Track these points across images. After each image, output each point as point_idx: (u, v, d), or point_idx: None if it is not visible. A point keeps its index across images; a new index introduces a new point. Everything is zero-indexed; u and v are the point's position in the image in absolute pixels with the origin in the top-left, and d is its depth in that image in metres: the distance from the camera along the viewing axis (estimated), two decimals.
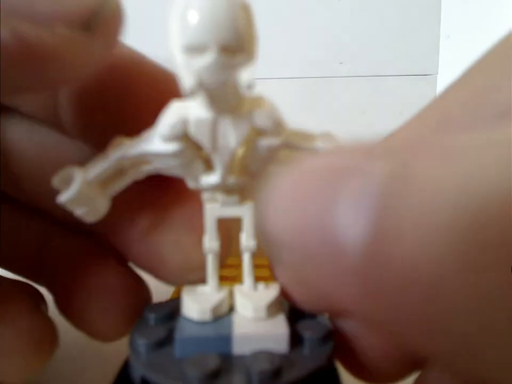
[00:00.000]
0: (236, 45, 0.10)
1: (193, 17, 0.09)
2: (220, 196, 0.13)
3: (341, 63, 0.33)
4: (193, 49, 0.10)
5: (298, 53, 0.33)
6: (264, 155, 0.12)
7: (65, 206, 0.12)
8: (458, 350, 0.08)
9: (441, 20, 0.33)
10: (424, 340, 0.08)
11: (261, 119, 0.11)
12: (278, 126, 0.12)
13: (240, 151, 0.12)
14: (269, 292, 0.13)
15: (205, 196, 0.13)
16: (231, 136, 0.11)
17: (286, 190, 0.09)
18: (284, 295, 0.14)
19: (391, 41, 0.33)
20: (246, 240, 0.14)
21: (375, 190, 0.08)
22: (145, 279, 0.16)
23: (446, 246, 0.07)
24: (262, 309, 0.13)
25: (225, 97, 0.11)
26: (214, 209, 0.13)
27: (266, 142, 0.12)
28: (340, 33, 0.33)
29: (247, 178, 0.13)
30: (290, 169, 0.09)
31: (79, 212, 0.12)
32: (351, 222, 0.08)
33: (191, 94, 0.10)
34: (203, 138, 0.11)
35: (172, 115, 0.11)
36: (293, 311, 0.14)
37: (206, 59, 0.10)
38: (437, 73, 0.33)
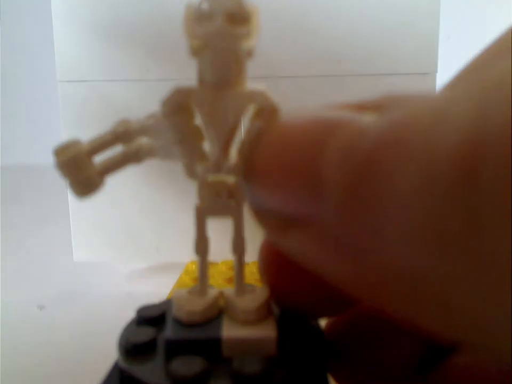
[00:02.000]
0: (240, 15, 0.11)
1: None
2: (209, 196, 0.13)
3: (339, 61, 0.33)
4: (202, 16, 0.11)
5: (295, 51, 0.33)
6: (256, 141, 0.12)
7: (58, 170, 0.12)
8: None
9: (440, 19, 0.33)
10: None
11: (260, 98, 0.12)
12: (276, 109, 0.12)
13: (237, 131, 0.12)
14: (259, 295, 0.13)
15: (197, 192, 0.13)
16: (230, 111, 0.12)
17: (277, 136, 0.10)
18: (274, 298, 0.14)
19: (389, 40, 0.33)
20: (236, 242, 0.13)
21: (357, 148, 0.08)
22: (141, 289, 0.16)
23: (435, 185, 0.07)
24: (251, 312, 0.13)
25: (228, 65, 0.11)
26: (203, 210, 0.13)
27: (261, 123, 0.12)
28: (338, 31, 0.33)
29: (240, 165, 0.13)
30: (282, 120, 0.10)
31: (70, 179, 0.12)
32: (331, 184, 0.08)
33: (196, 53, 0.11)
34: (203, 109, 0.12)
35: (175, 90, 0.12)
36: (283, 315, 0.14)
37: (213, 25, 0.11)
38: (436, 72, 0.33)
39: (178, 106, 0.12)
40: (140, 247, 0.36)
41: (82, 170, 0.12)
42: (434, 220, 0.07)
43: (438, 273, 0.07)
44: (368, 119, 0.08)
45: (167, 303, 0.15)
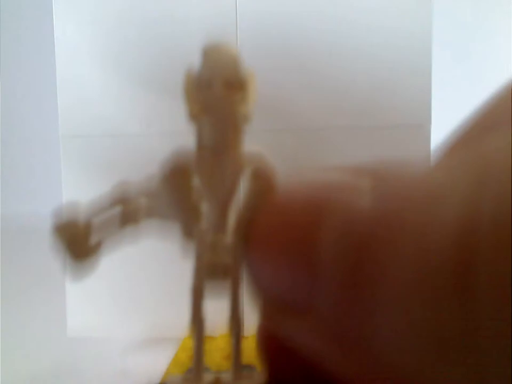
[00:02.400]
0: (237, 82, 0.12)
1: (203, 58, 0.12)
2: (205, 276, 0.13)
3: (333, 114, 0.33)
4: (201, 84, 0.12)
5: (291, 105, 0.34)
6: (254, 205, 0.12)
7: (53, 235, 0.12)
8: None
9: (432, 69, 0.34)
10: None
11: (256, 161, 0.12)
12: (272, 172, 0.12)
13: (235, 194, 0.12)
14: (255, 379, 0.13)
15: (193, 272, 0.13)
16: (227, 174, 0.12)
17: (272, 213, 0.10)
18: (272, 381, 0.13)
19: (382, 91, 0.34)
20: (232, 323, 0.13)
21: (355, 222, 0.08)
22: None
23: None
24: None
25: (225, 130, 0.12)
26: (198, 290, 0.13)
27: (259, 186, 0.12)
28: (331, 85, 0.34)
29: (237, 243, 0.12)
30: (277, 195, 0.10)
31: (64, 245, 0.12)
32: (331, 259, 0.08)
33: (194, 119, 0.12)
34: (201, 173, 0.12)
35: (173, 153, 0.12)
36: None
37: (211, 91, 0.11)
38: (430, 124, 0.33)
39: (177, 169, 0.12)
40: (135, 321, 0.36)
41: (78, 237, 0.12)
42: (430, 317, 0.07)
43: (434, 373, 0.07)
44: (364, 188, 0.08)
45: None
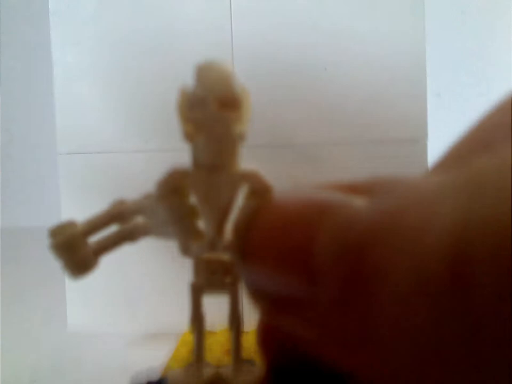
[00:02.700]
0: (231, 100, 0.11)
1: (197, 77, 0.12)
2: (204, 273, 0.13)
3: (329, 130, 0.34)
4: (195, 103, 0.11)
5: (287, 121, 0.34)
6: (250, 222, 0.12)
7: (53, 252, 0.12)
8: None
9: (427, 83, 0.34)
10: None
11: (253, 179, 0.12)
12: (268, 189, 0.12)
13: (231, 210, 0.12)
14: (256, 374, 0.13)
15: (192, 272, 0.13)
16: (223, 192, 0.12)
17: (270, 217, 0.10)
18: (272, 376, 0.13)
19: (379, 107, 0.34)
20: (232, 319, 0.13)
21: (350, 233, 0.08)
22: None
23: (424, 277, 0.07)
24: None
25: (220, 149, 0.12)
26: (198, 287, 0.13)
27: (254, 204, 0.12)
28: (328, 100, 0.34)
29: (235, 244, 0.13)
30: (275, 201, 0.10)
31: (65, 261, 0.12)
32: (327, 271, 0.08)
33: (190, 138, 0.11)
34: (198, 190, 0.12)
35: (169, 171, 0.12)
36: None
37: (205, 110, 0.11)
38: (427, 138, 0.34)
39: (173, 187, 0.12)
40: (135, 316, 0.36)
41: (76, 251, 0.12)
42: (428, 318, 0.07)
43: (434, 373, 0.07)
44: (359, 203, 0.08)
45: (161, 382, 0.14)
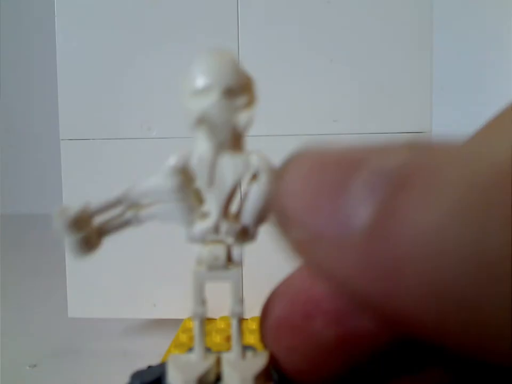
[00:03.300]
0: (237, 88, 0.11)
1: (201, 65, 0.11)
2: (207, 259, 0.13)
3: (335, 121, 0.33)
4: (200, 91, 0.11)
5: (293, 111, 0.34)
6: (254, 206, 0.12)
7: (57, 231, 0.12)
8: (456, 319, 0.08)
9: (433, 76, 0.34)
10: (419, 315, 0.08)
11: (255, 160, 0.12)
12: (270, 170, 0.12)
13: (235, 193, 0.12)
14: (257, 361, 0.13)
15: (196, 256, 0.13)
16: (228, 175, 0.12)
17: (305, 172, 0.10)
18: (273, 363, 0.13)
19: (384, 99, 0.34)
20: (234, 305, 0.13)
21: (386, 175, 0.08)
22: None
23: (450, 217, 0.07)
24: (249, 380, 0.12)
25: (225, 135, 0.12)
26: (200, 274, 0.13)
27: (258, 189, 0.12)
28: (333, 92, 0.34)
29: (239, 228, 0.13)
30: (309, 154, 0.10)
31: (70, 238, 0.12)
32: (360, 202, 0.09)
33: (194, 127, 0.11)
34: (202, 173, 0.12)
35: (176, 153, 0.12)
36: (281, 381, 0.13)
37: (210, 99, 0.11)
38: (431, 131, 0.33)
39: (180, 169, 0.12)
40: (136, 303, 0.36)
41: (82, 230, 0.12)
42: (470, 238, 0.07)
43: (477, 292, 0.07)
44: (400, 150, 0.09)
45: (162, 367, 0.14)
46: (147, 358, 0.16)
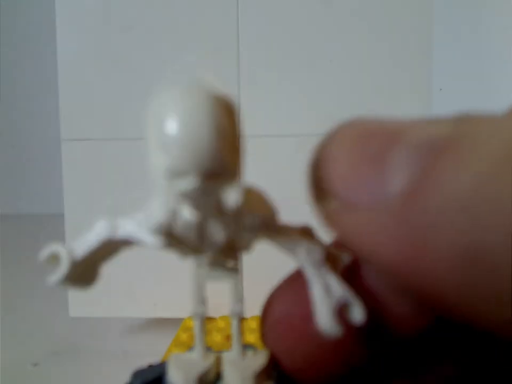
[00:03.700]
0: (219, 170, 0.09)
1: (173, 142, 0.09)
2: (207, 260, 0.13)
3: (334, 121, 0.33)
4: (173, 173, 0.09)
5: (293, 111, 0.34)
6: (249, 235, 0.12)
7: (57, 287, 0.12)
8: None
9: (432, 77, 0.34)
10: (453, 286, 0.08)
11: (250, 221, 0.11)
12: (268, 224, 0.11)
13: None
14: (258, 360, 0.13)
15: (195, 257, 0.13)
16: (218, 235, 0.11)
17: (347, 142, 0.10)
18: (274, 361, 0.13)
19: (384, 99, 0.34)
20: (234, 304, 0.13)
21: (426, 144, 0.09)
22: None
23: (488, 186, 0.07)
24: (249, 379, 0.12)
25: (210, 209, 0.10)
26: (201, 273, 0.13)
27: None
28: (332, 92, 0.34)
29: (235, 254, 0.13)
30: (353, 125, 0.11)
31: (70, 287, 0.12)
32: (398, 170, 0.09)
33: (168, 217, 0.10)
34: (189, 237, 0.11)
35: (161, 208, 0.10)
36: (281, 380, 0.13)
37: (187, 184, 0.09)
38: None
39: (164, 231, 0.11)
40: (137, 302, 0.36)
41: (78, 278, 0.12)
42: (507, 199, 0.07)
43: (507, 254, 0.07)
44: (443, 123, 0.09)
45: (163, 366, 0.14)
46: (148, 357, 0.17)
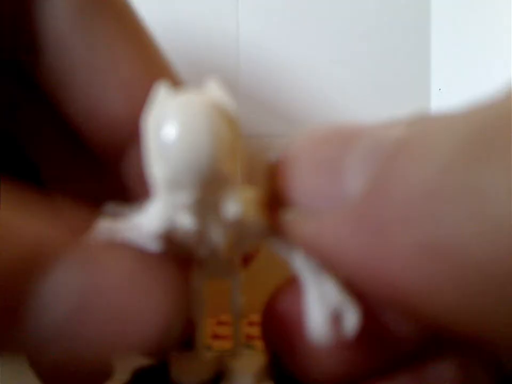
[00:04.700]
0: (218, 181, 0.09)
1: (171, 151, 0.09)
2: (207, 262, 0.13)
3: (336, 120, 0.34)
4: (173, 184, 0.09)
5: (293, 111, 0.34)
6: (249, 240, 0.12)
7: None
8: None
9: (431, 75, 0.34)
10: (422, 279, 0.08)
11: (249, 227, 0.11)
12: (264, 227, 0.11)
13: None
14: (258, 359, 0.13)
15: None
16: (218, 241, 0.11)
17: (303, 152, 0.10)
18: (274, 362, 0.13)
19: (384, 99, 0.34)
20: (234, 304, 0.13)
21: (380, 146, 0.09)
22: None
23: (439, 180, 0.08)
24: (250, 378, 0.12)
25: (210, 217, 0.10)
26: (201, 275, 0.13)
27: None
28: (332, 91, 0.34)
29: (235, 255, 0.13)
30: (306, 137, 0.11)
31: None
32: (355, 172, 0.09)
33: (167, 225, 0.10)
34: (189, 244, 0.11)
35: (161, 214, 0.10)
36: (281, 378, 0.13)
37: (186, 197, 0.09)
38: None
39: (163, 236, 0.11)
40: None
41: None
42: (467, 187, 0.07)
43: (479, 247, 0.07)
44: (395, 127, 0.09)
45: (165, 366, 0.14)
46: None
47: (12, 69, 0.15)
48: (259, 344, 0.14)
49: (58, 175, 0.16)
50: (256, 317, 0.13)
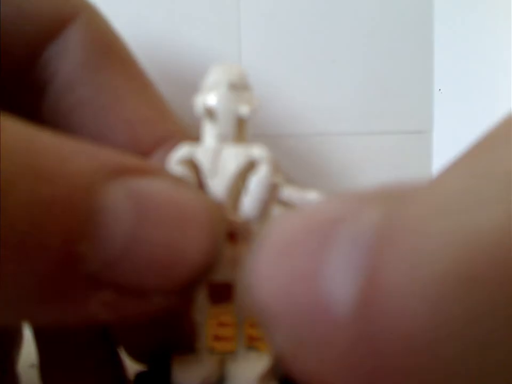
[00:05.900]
0: (240, 85, 0.13)
1: (214, 69, 0.14)
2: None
3: (334, 120, 0.34)
4: (210, 86, 0.13)
5: (294, 111, 0.34)
6: (256, 198, 0.13)
7: None
8: None
9: (434, 75, 0.34)
10: None
11: (257, 151, 0.13)
12: (273, 164, 0.13)
13: (238, 183, 0.13)
14: (262, 362, 0.13)
15: None
16: (230, 163, 0.13)
17: (271, 257, 0.09)
18: (278, 363, 0.13)
19: (383, 99, 0.34)
20: (237, 305, 0.13)
21: (364, 243, 0.07)
22: None
23: (442, 296, 0.06)
24: (253, 381, 0.12)
25: (230, 126, 0.13)
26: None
27: (258, 177, 0.13)
28: (335, 92, 0.34)
29: (242, 223, 0.13)
30: (277, 227, 0.09)
31: None
32: (340, 284, 0.07)
33: (203, 117, 0.13)
34: (206, 162, 0.13)
35: (186, 145, 0.13)
36: (285, 382, 0.13)
37: (218, 92, 0.13)
38: (432, 131, 0.33)
39: (185, 159, 0.13)
40: None
41: None
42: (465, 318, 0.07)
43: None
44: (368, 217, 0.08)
45: (166, 367, 0.14)
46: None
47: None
48: (261, 345, 0.14)
49: None
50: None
